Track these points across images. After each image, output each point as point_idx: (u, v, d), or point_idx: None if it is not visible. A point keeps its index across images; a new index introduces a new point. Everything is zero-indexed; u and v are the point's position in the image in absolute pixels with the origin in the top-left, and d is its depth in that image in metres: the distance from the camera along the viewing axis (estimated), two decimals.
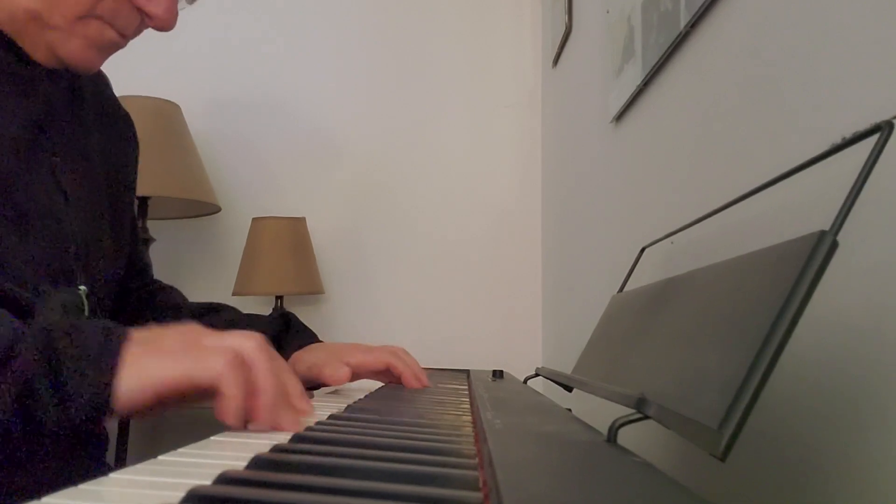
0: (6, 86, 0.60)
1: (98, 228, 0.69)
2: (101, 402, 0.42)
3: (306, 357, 0.77)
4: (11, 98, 0.60)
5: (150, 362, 0.43)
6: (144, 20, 0.62)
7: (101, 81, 0.77)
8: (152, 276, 0.89)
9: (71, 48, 0.60)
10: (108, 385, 0.42)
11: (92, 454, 0.66)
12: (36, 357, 0.42)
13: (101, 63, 0.64)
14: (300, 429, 0.43)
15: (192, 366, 0.43)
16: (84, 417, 0.42)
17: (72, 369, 0.43)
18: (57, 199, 0.63)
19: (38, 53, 0.61)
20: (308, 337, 0.83)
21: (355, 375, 0.77)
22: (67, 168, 0.65)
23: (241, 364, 0.44)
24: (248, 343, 0.45)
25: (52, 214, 0.61)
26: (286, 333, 0.81)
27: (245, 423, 0.44)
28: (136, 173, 0.81)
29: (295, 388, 0.49)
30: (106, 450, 0.70)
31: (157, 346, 0.45)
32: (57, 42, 0.59)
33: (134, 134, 0.81)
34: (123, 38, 0.63)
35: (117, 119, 0.78)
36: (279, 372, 0.46)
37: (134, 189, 0.81)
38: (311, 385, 0.75)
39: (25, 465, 0.55)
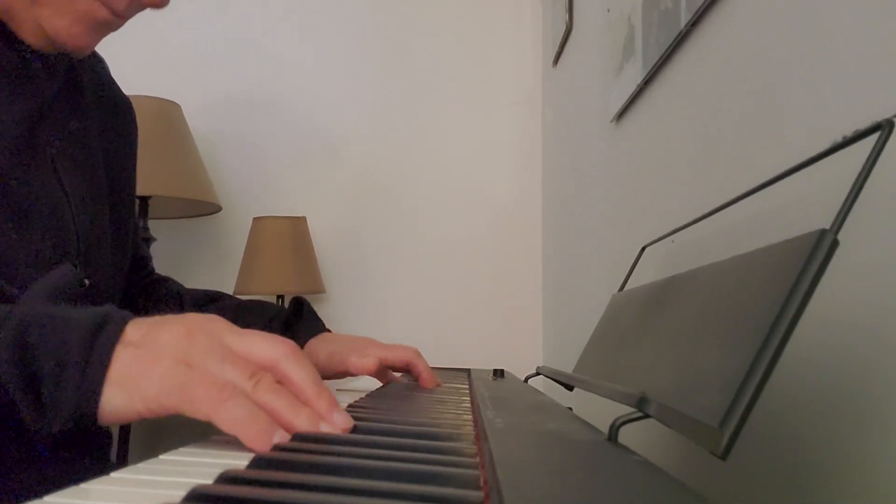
0: (1, 78, 0.59)
1: (99, 222, 0.68)
2: (85, 415, 0.38)
3: (323, 346, 0.78)
4: (7, 91, 0.59)
5: (139, 378, 0.39)
6: None
7: (98, 65, 0.76)
8: (153, 268, 0.89)
9: (60, 25, 0.58)
10: (92, 398, 0.38)
11: (96, 452, 0.66)
12: (10, 359, 0.37)
13: (95, 44, 0.62)
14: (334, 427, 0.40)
15: (181, 400, 0.38)
16: (67, 429, 0.38)
17: (51, 375, 0.38)
18: (56, 193, 0.62)
19: (27, 32, 0.59)
20: (320, 326, 0.84)
21: (380, 375, 0.79)
22: (67, 161, 0.64)
23: (235, 393, 0.38)
24: (246, 380, 0.39)
25: (51, 209, 0.60)
26: (299, 319, 0.83)
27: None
28: (135, 161, 0.80)
29: (318, 394, 0.42)
30: (110, 447, 0.69)
31: (150, 354, 0.40)
32: (45, 18, 0.58)
33: (133, 119, 0.80)
34: (115, 15, 0.60)
35: (116, 105, 0.77)
36: (291, 383, 0.42)
37: (134, 178, 0.79)
38: (331, 375, 0.76)
39: (28, 463, 0.55)
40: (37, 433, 0.39)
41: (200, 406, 0.37)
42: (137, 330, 0.41)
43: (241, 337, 0.42)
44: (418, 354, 0.78)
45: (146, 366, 0.39)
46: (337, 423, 0.40)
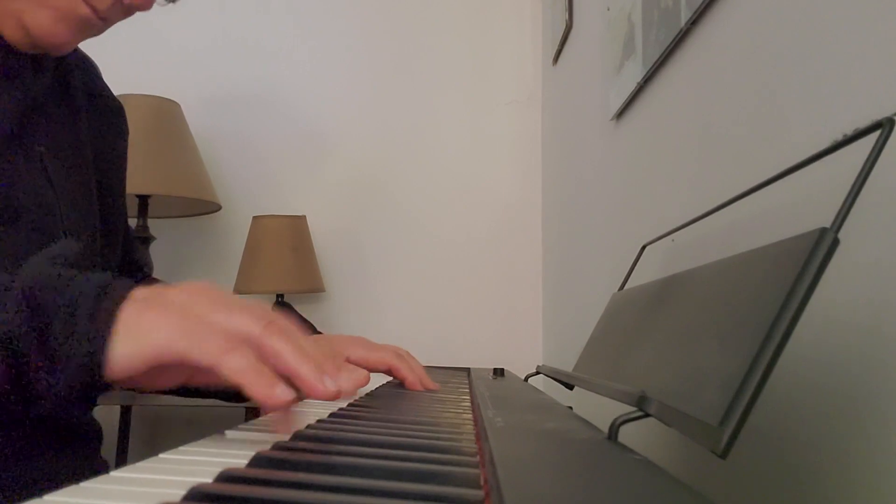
0: None
1: (89, 220, 0.68)
2: (95, 364, 0.38)
3: None
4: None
5: (148, 325, 0.39)
6: None
7: (90, 69, 0.75)
8: (149, 274, 0.89)
9: (40, 20, 0.58)
10: (102, 345, 0.38)
11: (86, 449, 0.66)
12: (20, 313, 0.38)
13: (75, 43, 0.61)
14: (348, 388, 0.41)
15: (189, 344, 0.38)
16: (77, 384, 0.39)
17: (61, 327, 0.39)
18: (46, 191, 0.61)
19: (9, 29, 0.59)
20: (308, 328, 0.82)
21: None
22: (56, 159, 0.64)
23: (243, 345, 0.39)
24: (255, 325, 0.40)
25: (41, 206, 0.60)
26: None
27: (291, 402, 0.38)
28: (126, 163, 0.79)
29: (324, 356, 0.42)
30: (100, 445, 0.69)
31: (158, 306, 0.40)
32: (25, 13, 0.57)
33: (125, 122, 0.79)
34: (97, 15, 0.59)
35: (107, 107, 0.76)
36: (298, 340, 0.41)
37: (125, 180, 0.79)
38: None
39: (19, 460, 0.55)
40: (47, 394, 0.39)
41: (208, 350, 0.38)
42: (142, 292, 0.42)
43: (246, 302, 0.43)
44: (401, 356, 0.72)
45: (155, 315, 0.40)
46: (343, 385, 0.40)
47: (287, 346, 0.40)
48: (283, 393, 0.37)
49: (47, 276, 0.41)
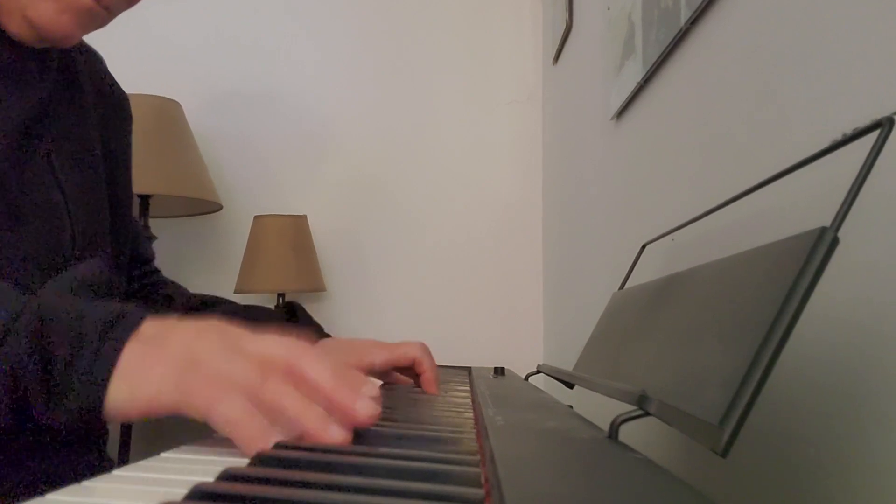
0: None
1: (98, 217, 0.68)
2: (92, 408, 0.38)
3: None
4: (4, 90, 0.59)
5: (143, 376, 0.39)
6: None
7: (95, 61, 0.75)
8: (155, 268, 0.89)
9: (43, 11, 0.58)
10: (100, 391, 0.38)
11: (93, 448, 0.66)
12: (25, 346, 0.39)
13: (80, 34, 0.61)
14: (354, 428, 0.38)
15: (180, 398, 0.37)
16: (75, 419, 0.39)
17: (62, 366, 0.39)
18: (54, 193, 0.61)
19: (13, 23, 0.59)
20: (316, 331, 0.81)
21: (382, 375, 0.76)
22: (64, 157, 0.64)
23: (233, 392, 0.37)
24: (254, 372, 0.38)
25: (48, 208, 0.60)
26: (294, 327, 0.81)
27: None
28: (131, 153, 0.79)
29: (335, 388, 0.39)
30: (106, 443, 0.70)
31: (156, 352, 0.40)
32: (28, 7, 0.58)
33: (129, 113, 0.80)
34: (100, 5, 0.59)
35: (114, 99, 0.77)
36: (309, 374, 0.39)
37: (130, 170, 0.79)
38: None
39: (26, 459, 0.55)
40: (44, 424, 0.39)
41: (196, 403, 0.37)
42: (151, 328, 0.41)
43: (255, 338, 0.42)
44: (425, 350, 0.73)
45: (150, 364, 0.39)
46: (359, 414, 0.38)
47: (287, 399, 0.37)
48: (270, 440, 0.35)
49: (58, 308, 0.41)
